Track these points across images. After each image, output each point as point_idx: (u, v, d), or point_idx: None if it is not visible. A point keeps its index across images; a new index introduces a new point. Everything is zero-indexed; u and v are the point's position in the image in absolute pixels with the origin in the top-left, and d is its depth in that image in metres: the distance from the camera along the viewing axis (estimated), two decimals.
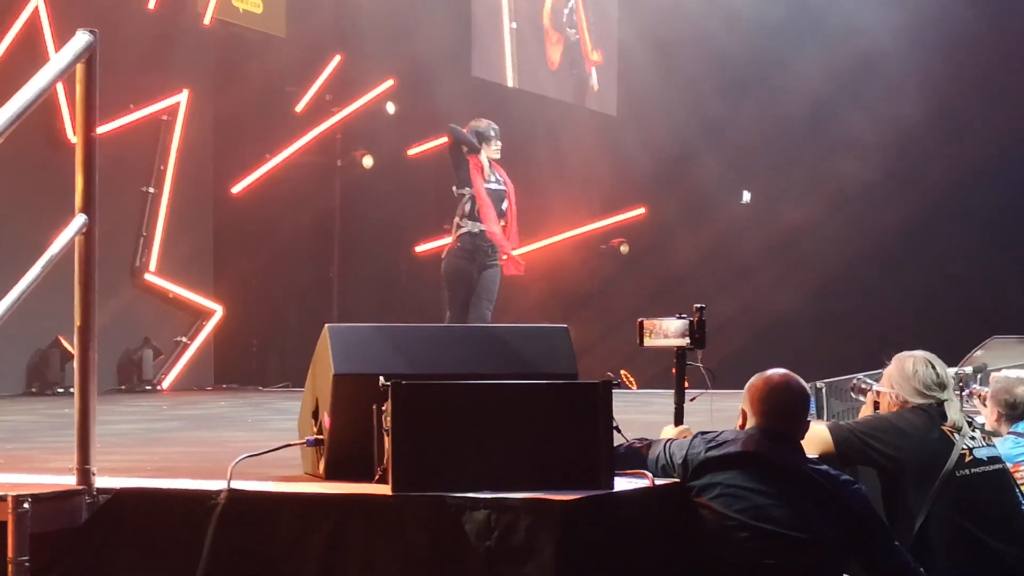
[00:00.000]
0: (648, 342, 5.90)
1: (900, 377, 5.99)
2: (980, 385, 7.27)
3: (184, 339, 14.10)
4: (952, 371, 6.32)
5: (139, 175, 13.65)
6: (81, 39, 4.87)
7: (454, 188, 11.65)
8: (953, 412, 5.91)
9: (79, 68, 4.89)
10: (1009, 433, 6.62)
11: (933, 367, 5.98)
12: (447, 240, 11.66)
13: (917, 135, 18.43)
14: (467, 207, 11.44)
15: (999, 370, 7.46)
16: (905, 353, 6.08)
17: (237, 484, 4.95)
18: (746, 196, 19.56)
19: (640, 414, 8.35)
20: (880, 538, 5.32)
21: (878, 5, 18.33)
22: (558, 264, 18.30)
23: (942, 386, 5.95)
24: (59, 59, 4.88)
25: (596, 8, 19.98)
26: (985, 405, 6.84)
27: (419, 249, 15.19)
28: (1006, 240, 18.50)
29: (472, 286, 11.47)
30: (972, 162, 18.15)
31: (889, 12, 18.24)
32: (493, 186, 11.58)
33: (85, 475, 4.90)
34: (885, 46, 18.54)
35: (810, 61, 18.41)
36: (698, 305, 5.87)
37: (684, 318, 5.85)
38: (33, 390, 12.53)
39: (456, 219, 11.53)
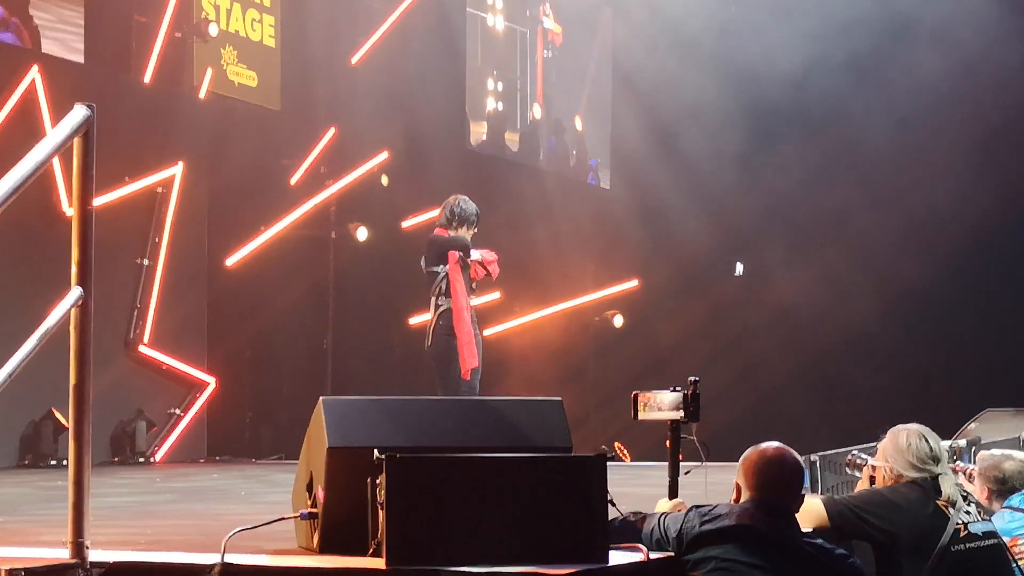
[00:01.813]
0: (642, 415, 5.89)
1: (894, 451, 5.99)
2: (966, 463, 7.27)
3: (177, 411, 14.06)
4: (946, 444, 6.33)
5: (134, 247, 13.66)
6: (79, 113, 4.89)
7: (423, 263, 11.49)
8: (947, 486, 5.90)
9: (76, 142, 4.90)
10: (1004, 508, 6.62)
11: (927, 440, 5.98)
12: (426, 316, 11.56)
13: (912, 212, 18.52)
14: (443, 285, 11.37)
15: (987, 447, 7.48)
16: (899, 427, 6.08)
17: (231, 558, 4.93)
18: (739, 268, 19.61)
19: (635, 487, 8.35)
20: None
21: (867, 80, 18.47)
22: (552, 336, 18.32)
23: (936, 459, 5.95)
24: (56, 133, 4.90)
25: (592, 85, 20.13)
26: (972, 482, 6.84)
27: (413, 321, 15.19)
28: (1001, 313, 18.53)
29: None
30: (968, 238, 18.22)
31: (879, 89, 18.41)
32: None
33: (79, 548, 4.87)
34: (876, 122, 18.68)
35: (801, 136, 18.51)
36: (692, 378, 5.87)
37: (678, 391, 5.85)
38: (26, 462, 12.49)
39: (434, 298, 11.42)
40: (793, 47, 17.84)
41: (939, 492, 5.89)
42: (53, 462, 12.25)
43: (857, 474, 6.46)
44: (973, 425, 10.02)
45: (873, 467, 6.13)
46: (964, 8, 17.26)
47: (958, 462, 7.21)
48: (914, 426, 6.06)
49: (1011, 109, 18.38)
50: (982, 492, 6.74)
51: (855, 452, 6.64)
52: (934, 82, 17.86)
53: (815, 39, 17.71)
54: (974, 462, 7.15)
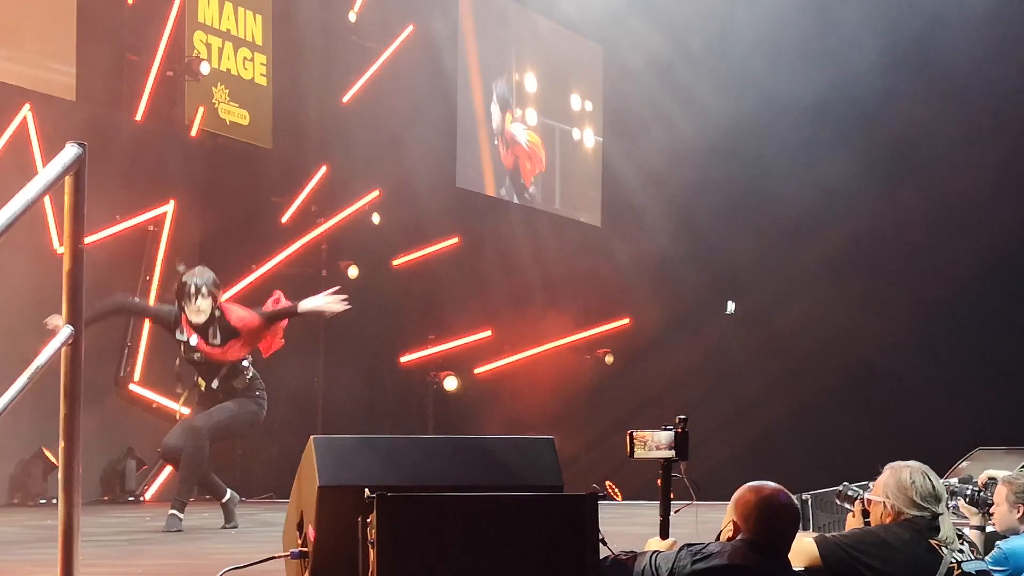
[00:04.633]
0: (639, 454, 5.87)
1: (896, 487, 5.94)
2: (971, 486, 7.22)
3: None
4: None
5: (125, 285, 13.64)
6: (70, 152, 4.88)
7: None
8: (946, 527, 5.87)
9: (67, 180, 4.89)
10: None
11: (929, 479, 5.94)
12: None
13: (897, 248, 18.55)
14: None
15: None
16: (900, 463, 6.03)
17: None
18: (731, 306, 19.62)
19: (626, 526, 8.34)
20: None
21: (858, 121, 18.55)
22: (543, 374, 18.30)
23: (937, 499, 5.91)
24: (48, 171, 4.89)
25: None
26: (973, 505, 6.80)
27: (404, 359, 15.18)
28: (991, 351, 18.54)
29: None
30: (956, 275, 18.24)
31: (871, 131, 18.48)
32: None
33: None
34: (863, 163, 18.73)
35: (793, 171, 18.55)
36: (680, 416, 5.86)
37: (670, 429, 5.84)
38: (16, 501, 12.46)
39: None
40: (785, 88, 17.90)
41: (934, 531, 5.86)
42: (43, 501, 12.22)
43: (847, 506, 6.42)
44: (965, 464, 10.01)
45: (869, 502, 6.09)
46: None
47: (957, 483, 7.16)
48: (916, 464, 6.02)
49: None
50: (1014, 511, 6.70)
51: (847, 484, 6.61)
52: (927, 124, 17.94)
53: (805, 82, 17.78)
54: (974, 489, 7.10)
